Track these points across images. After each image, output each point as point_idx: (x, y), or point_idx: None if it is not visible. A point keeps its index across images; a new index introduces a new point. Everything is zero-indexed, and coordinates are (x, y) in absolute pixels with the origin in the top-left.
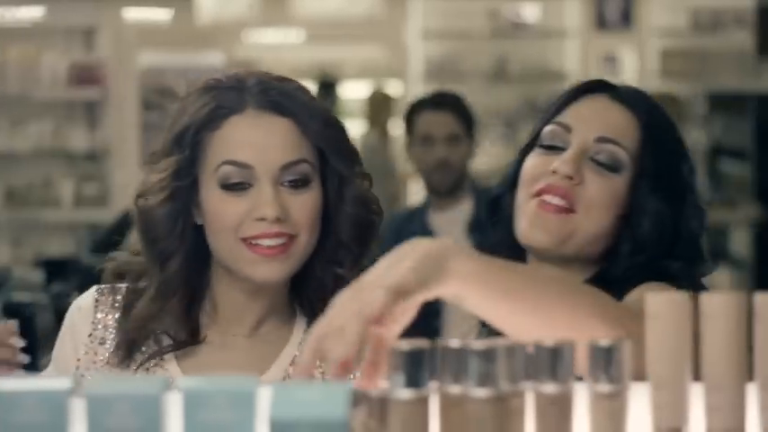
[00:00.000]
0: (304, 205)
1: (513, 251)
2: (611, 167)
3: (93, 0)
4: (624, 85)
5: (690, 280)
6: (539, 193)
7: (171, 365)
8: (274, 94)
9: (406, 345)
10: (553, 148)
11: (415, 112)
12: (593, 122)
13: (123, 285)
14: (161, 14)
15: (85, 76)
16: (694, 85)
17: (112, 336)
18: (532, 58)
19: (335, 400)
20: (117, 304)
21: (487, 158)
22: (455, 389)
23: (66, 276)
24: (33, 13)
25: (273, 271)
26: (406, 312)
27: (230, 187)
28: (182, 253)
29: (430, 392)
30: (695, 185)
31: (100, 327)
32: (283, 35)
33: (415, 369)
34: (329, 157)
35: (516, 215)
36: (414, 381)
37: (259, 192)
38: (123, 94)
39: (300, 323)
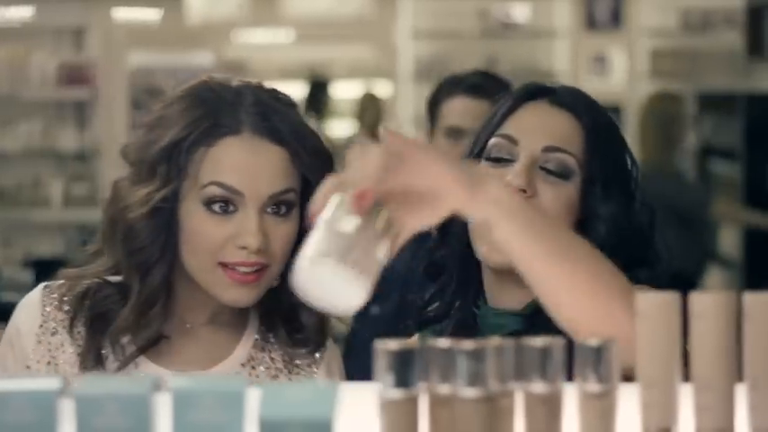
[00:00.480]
0: (284, 235)
1: (466, 265)
2: (562, 175)
3: (83, 0)
4: (562, 86)
5: (660, 283)
6: None
7: (142, 363)
8: (271, 119)
9: (395, 345)
10: (500, 161)
11: (443, 95)
12: (538, 132)
13: (68, 283)
14: (150, 14)
15: (75, 75)
16: (684, 85)
17: (65, 330)
18: (522, 59)
19: (325, 400)
20: (65, 298)
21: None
22: (444, 388)
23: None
24: (22, 12)
25: (243, 296)
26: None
27: (214, 208)
28: (164, 264)
29: (419, 392)
30: (638, 182)
31: (50, 320)
32: (273, 35)
33: (404, 369)
34: (314, 187)
35: (472, 231)
36: (403, 381)
37: (245, 218)
38: (113, 94)
39: (254, 321)
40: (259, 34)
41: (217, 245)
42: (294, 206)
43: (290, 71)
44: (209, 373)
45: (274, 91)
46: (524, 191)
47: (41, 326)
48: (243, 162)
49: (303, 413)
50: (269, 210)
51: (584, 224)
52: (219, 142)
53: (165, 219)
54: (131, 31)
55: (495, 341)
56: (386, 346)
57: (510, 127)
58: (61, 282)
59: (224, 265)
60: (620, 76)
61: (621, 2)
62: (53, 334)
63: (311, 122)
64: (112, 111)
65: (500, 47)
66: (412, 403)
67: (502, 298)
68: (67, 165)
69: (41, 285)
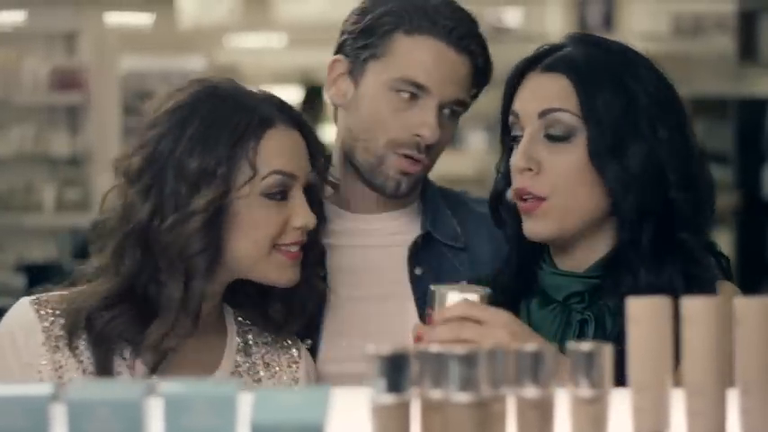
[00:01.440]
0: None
1: (531, 243)
2: (565, 137)
3: (75, 5)
4: (562, 45)
5: (706, 248)
6: (516, 195)
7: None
8: (293, 112)
9: (387, 349)
10: (516, 139)
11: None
12: (534, 101)
13: (54, 294)
14: (142, 19)
15: (67, 80)
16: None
17: (66, 348)
18: (515, 63)
19: (316, 405)
20: (58, 312)
21: (471, 163)
22: (436, 393)
23: (48, 281)
24: (15, 17)
25: (295, 273)
26: None
27: (274, 196)
28: (211, 268)
29: (411, 397)
30: (665, 118)
31: (52, 336)
32: (265, 39)
33: (396, 374)
34: (318, 171)
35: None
36: (395, 385)
37: (297, 200)
38: (105, 98)
39: (229, 313)
40: (251, 39)
41: (278, 229)
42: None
43: (283, 75)
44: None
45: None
46: (529, 169)
47: (44, 343)
48: (288, 149)
49: (295, 418)
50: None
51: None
52: (266, 135)
53: (217, 225)
54: (123, 36)
55: (486, 346)
56: (377, 351)
57: (514, 103)
58: (49, 295)
59: (278, 247)
60: None
61: (613, 6)
62: (55, 351)
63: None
64: (105, 116)
65: (492, 51)
66: (404, 408)
67: (564, 260)
68: (60, 170)
69: (28, 300)
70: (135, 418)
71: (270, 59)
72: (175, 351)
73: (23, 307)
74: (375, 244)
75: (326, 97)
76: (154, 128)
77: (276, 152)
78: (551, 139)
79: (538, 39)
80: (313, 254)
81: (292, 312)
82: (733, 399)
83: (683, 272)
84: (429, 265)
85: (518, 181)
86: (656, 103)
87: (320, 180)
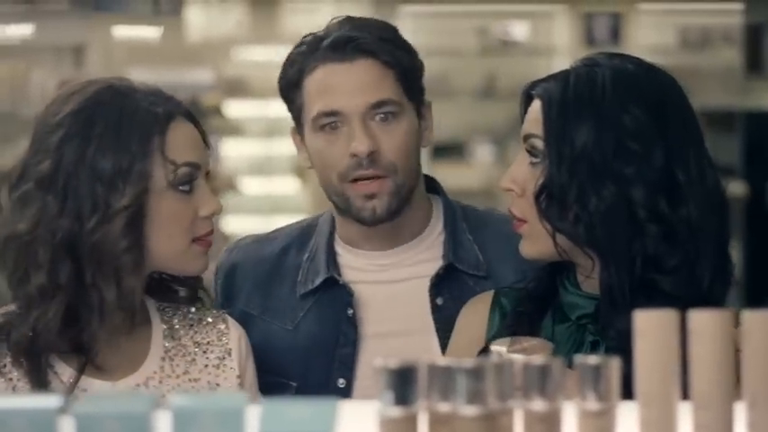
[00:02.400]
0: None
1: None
2: (540, 161)
3: (83, 18)
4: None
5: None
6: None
7: (83, 380)
8: (183, 106)
9: (395, 362)
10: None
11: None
12: (524, 126)
13: None
14: (150, 32)
15: None
16: None
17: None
18: (521, 76)
19: (324, 418)
20: None
21: (478, 176)
22: (444, 406)
23: None
24: (22, 30)
25: (207, 261)
26: None
27: (182, 188)
28: (140, 265)
29: (419, 410)
30: (643, 152)
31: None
32: (273, 52)
33: (404, 387)
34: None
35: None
36: (402, 398)
37: (201, 189)
38: None
39: (150, 302)
40: (259, 52)
41: (190, 221)
42: None
43: None
44: (131, 378)
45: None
46: (510, 190)
47: None
48: (191, 140)
49: (303, 430)
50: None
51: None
52: (170, 128)
53: (139, 221)
54: (131, 49)
55: (493, 360)
56: (386, 364)
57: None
58: None
59: (196, 240)
60: None
61: (620, 20)
62: None
63: None
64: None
65: (499, 64)
66: (411, 421)
67: (586, 281)
68: None
69: None
70: (143, 431)
71: (277, 72)
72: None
73: None
74: (395, 278)
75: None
76: (57, 131)
77: (182, 144)
78: (532, 164)
79: (545, 52)
80: None
81: (194, 287)
82: (740, 412)
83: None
84: (451, 295)
85: (510, 202)
86: (636, 137)
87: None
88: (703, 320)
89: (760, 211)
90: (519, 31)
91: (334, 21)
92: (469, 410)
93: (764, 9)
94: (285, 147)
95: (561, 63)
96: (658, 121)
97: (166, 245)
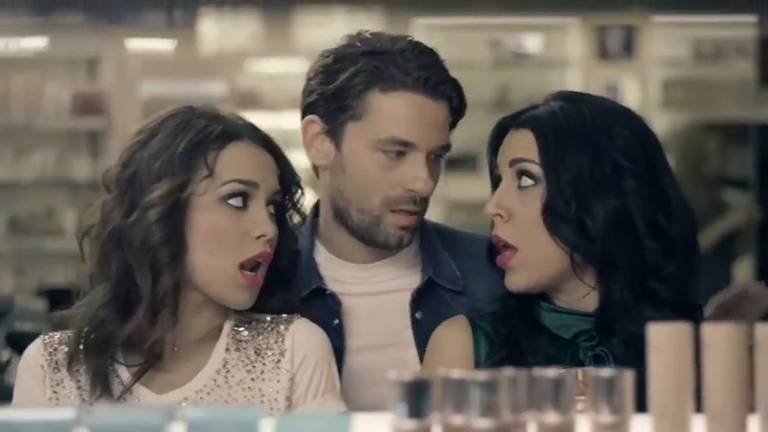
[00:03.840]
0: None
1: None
2: (533, 184)
3: (97, 31)
4: (540, 104)
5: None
6: (495, 242)
7: (138, 389)
8: (263, 134)
9: (409, 375)
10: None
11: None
12: (506, 153)
13: (57, 334)
14: (164, 45)
15: (89, 105)
16: (696, 115)
17: (64, 368)
18: (534, 88)
19: (338, 430)
20: (63, 340)
21: (487, 188)
22: (457, 419)
23: (69, 306)
24: (37, 43)
25: (251, 297)
26: None
27: (231, 202)
28: (174, 267)
29: (432, 422)
30: (636, 171)
31: (53, 360)
32: (286, 65)
33: (418, 399)
34: (286, 192)
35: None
36: (416, 411)
37: (256, 210)
38: (127, 123)
39: (227, 328)
40: (272, 64)
41: (236, 239)
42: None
43: None
44: (180, 390)
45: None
46: (499, 216)
47: (42, 366)
48: (253, 160)
49: None
50: (270, 209)
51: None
52: (229, 145)
53: (177, 219)
54: (145, 62)
55: (508, 372)
56: (399, 377)
57: (497, 157)
58: (60, 332)
59: (242, 270)
60: (633, 105)
61: (633, 32)
62: (55, 371)
63: None
64: (126, 140)
65: (512, 76)
66: None
67: (560, 297)
68: (81, 194)
69: (41, 336)
70: None
71: (290, 84)
72: (163, 357)
73: (36, 341)
74: (376, 291)
75: (307, 157)
76: (132, 141)
77: (238, 162)
78: (521, 188)
79: (558, 64)
80: (279, 277)
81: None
82: (754, 425)
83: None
84: (429, 310)
85: (493, 228)
86: (628, 156)
87: (292, 205)
88: (717, 333)
89: None
90: (532, 43)
91: (408, 40)
92: (483, 423)
93: None
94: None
95: (574, 75)
96: (642, 143)
97: (206, 260)
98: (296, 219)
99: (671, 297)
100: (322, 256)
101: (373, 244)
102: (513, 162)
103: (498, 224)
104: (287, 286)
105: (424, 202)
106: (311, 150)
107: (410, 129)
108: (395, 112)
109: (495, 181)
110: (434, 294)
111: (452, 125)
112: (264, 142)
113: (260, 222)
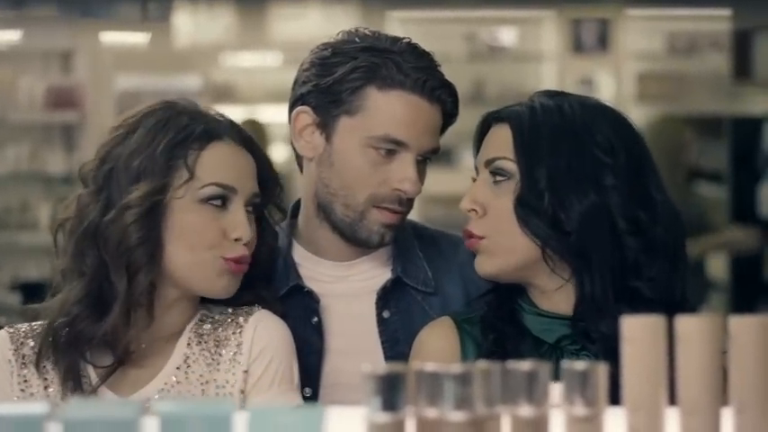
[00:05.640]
0: (255, 229)
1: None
2: (505, 176)
3: (71, 24)
4: (517, 104)
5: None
6: (464, 236)
7: (105, 392)
8: (245, 134)
9: (382, 368)
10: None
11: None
12: (484, 151)
13: (22, 326)
14: (138, 38)
15: (63, 99)
16: (670, 109)
17: (32, 364)
18: (509, 82)
19: (311, 424)
20: (30, 335)
21: (465, 181)
22: (431, 412)
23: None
24: (10, 36)
25: (233, 285)
26: None
27: (211, 203)
28: (150, 266)
29: (406, 416)
30: (617, 168)
31: (19, 356)
32: (261, 58)
33: (392, 392)
34: (265, 191)
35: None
36: (390, 404)
37: (235, 213)
38: (101, 117)
39: (190, 324)
40: (247, 58)
41: (215, 238)
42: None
43: (278, 94)
44: (143, 390)
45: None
46: (474, 210)
47: (10, 361)
48: (233, 162)
49: None
50: (247, 208)
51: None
52: (210, 146)
53: (154, 221)
54: (119, 55)
55: (481, 365)
56: (373, 370)
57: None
58: (26, 324)
59: (224, 258)
60: (607, 99)
61: (608, 26)
62: (22, 367)
63: None
64: (100, 134)
65: (487, 70)
66: (399, 427)
67: (542, 301)
68: (55, 188)
69: (5, 327)
70: None
71: (265, 78)
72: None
73: (0, 334)
74: (352, 289)
75: (295, 148)
76: (110, 136)
77: (217, 164)
78: (496, 183)
79: (532, 58)
80: (257, 272)
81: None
82: (728, 417)
83: None
84: (398, 309)
85: (468, 223)
86: (609, 153)
87: (273, 205)
88: (690, 326)
89: (747, 216)
90: (507, 36)
91: (406, 41)
92: (457, 416)
93: (752, 15)
94: (274, 152)
95: (549, 69)
96: (624, 141)
97: (186, 256)
98: (276, 216)
99: (653, 295)
100: (299, 255)
101: (355, 240)
102: (488, 162)
103: (473, 220)
104: (264, 282)
105: (409, 202)
106: (300, 142)
107: (404, 129)
108: (391, 110)
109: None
110: (405, 294)
111: (442, 130)
112: (245, 142)
113: (237, 225)
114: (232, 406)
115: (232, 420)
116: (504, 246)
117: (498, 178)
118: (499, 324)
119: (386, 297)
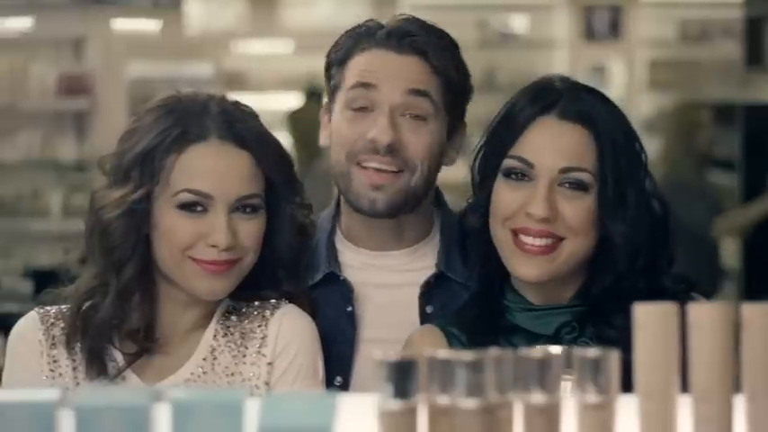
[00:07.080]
0: (253, 231)
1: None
2: (582, 189)
3: (82, 11)
4: (567, 87)
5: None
6: (515, 232)
7: (131, 378)
8: (235, 126)
9: (394, 355)
10: (518, 178)
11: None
12: (553, 153)
13: (51, 308)
14: (150, 25)
15: (74, 86)
16: (682, 96)
17: (62, 345)
18: (521, 69)
19: (324, 411)
20: (59, 316)
21: None
22: (443, 399)
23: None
24: (22, 23)
25: (217, 286)
26: None
27: (186, 209)
28: (136, 260)
29: (418, 403)
30: (648, 173)
31: (50, 336)
32: (272, 46)
33: (404, 380)
34: (277, 187)
35: (498, 246)
36: (402, 391)
37: (214, 219)
38: (112, 104)
39: (217, 316)
40: (258, 45)
41: (188, 242)
42: (260, 207)
43: (289, 81)
44: (169, 379)
45: (237, 102)
46: (547, 219)
47: (40, 341)
48: (211, 167)
49: (302, 424)
50: (237, 210)
51: (605, 229)
52: (188, 149)
53: (138, 220)
54: (131, 42)
55: (493, 352)
56: (385, 357)
57: (524, 148)
58: (54, 306)
59: (193, 259)
60: (619, 86)
61: (620, 13)
62: (52, 347)
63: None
64: (112, 122)
65: (499, 57)
66: (411, 414)
67: (537, 295)
68: (67, 175)
69: (35, 309)
70: (142, 424)
71: (276, 65)
72: (156, 344)
73: (30, 313)
74: (390, 282)
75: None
76: (125, 131)
77: (192, 169)
78: (568, 187)
79: (544, 45)
80: (278, 270)
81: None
82: (740, 404)
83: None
84: (441, 304)
85: (532, 225)
86: (642, 148)
87: (291, 203)
88: (703, 313)
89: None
90: (519, 24)
91: (401, 16)
92: (469, 403)
93: (764, 2)
94: (284, 140)
95: (561, 56)
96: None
97: (165, 255)
98: (302, 212)
99: (671, 285)
100: (341, 243)
101: (356, 210)
102: (564, 170)
103: (543, 224)
104: (289, 277)
105: (397, 158)
106: (322, 135)
107: (370, 74)
108: (357, 67)
109: (493, 173)
110: (448, 288)
111: (453, 96)
112: (242, 140)
113: (214, 231)
114: (244, 393)
115: (244, 408)
116: (576, 248)
117: (571, 185)
118: (478, 326)
119: (429, 292)
